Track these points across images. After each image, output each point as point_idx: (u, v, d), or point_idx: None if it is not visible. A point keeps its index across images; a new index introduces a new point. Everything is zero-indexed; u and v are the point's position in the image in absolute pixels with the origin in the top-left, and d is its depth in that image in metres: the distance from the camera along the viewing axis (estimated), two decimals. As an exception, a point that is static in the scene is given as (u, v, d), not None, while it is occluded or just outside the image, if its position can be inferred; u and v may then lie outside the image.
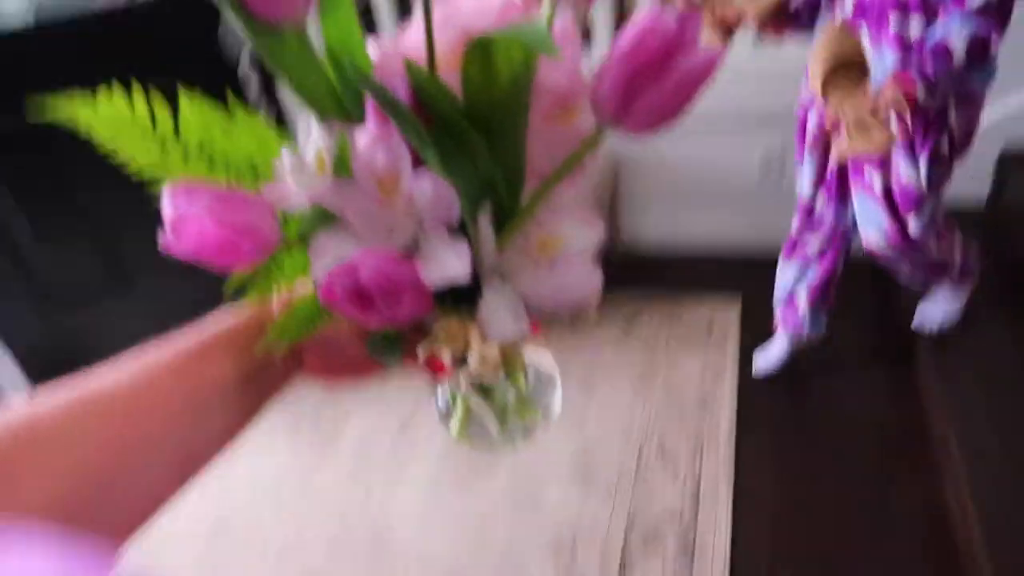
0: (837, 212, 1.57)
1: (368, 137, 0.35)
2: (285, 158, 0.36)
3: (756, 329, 2.01)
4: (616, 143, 2.24)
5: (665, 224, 2.39)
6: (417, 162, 0.36)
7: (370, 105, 0.36)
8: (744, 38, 2.03)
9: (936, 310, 1.73)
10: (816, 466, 1.70)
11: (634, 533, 1.61)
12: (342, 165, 0.36)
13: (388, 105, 0.34)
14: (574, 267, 0.38)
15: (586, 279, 0.38)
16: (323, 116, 0.37)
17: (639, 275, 2.35)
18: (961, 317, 1.71)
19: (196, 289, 1.31)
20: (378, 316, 0.35)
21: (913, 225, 1.42)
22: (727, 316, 2.14)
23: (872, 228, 1.47)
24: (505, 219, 0.38)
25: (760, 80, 2.02)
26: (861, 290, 1.99)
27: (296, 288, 0.44)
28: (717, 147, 2.18)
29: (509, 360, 0.47)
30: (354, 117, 0.37)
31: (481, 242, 0.37)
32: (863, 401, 1.83)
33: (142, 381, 0.39)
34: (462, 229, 0.37)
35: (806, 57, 1.30)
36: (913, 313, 1.77)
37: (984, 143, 1.88)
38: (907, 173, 1.36)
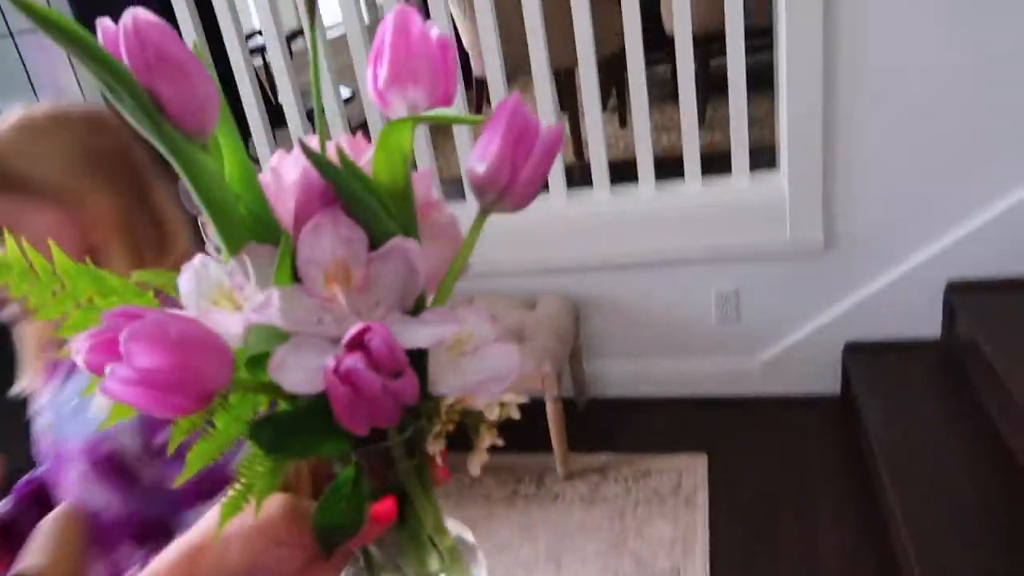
0: None
1: (317, 232, 0.36)
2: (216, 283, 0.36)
3: (724, 485, 1.93)
4: (574, 286, 2.22)
5: (627, 369, 2.33)
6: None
7: (310, 200, 0.36)
8: (692, 175, 2.06)
9: None
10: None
11: None
12: (282, 274, 0.36)
13: (346, 188, 0.36)
14: (488, 354, 0.39)
15: (504, 359, 0.39)
16: (230, 234, 0.37)
17: (605, 426, 2.27)
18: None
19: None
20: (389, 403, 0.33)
21: None
22: (695, 474, 2.04)
23: None
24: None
25: (711, 218, 2.04)
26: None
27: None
28: (672, 287, 2.16)
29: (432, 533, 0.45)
30: (261, 236, 0.37)
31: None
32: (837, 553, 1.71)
33: None
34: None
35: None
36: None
37: (931, 275, 1.91)
38: None
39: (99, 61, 0.32)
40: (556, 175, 2.18)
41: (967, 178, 1.80)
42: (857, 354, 2.02)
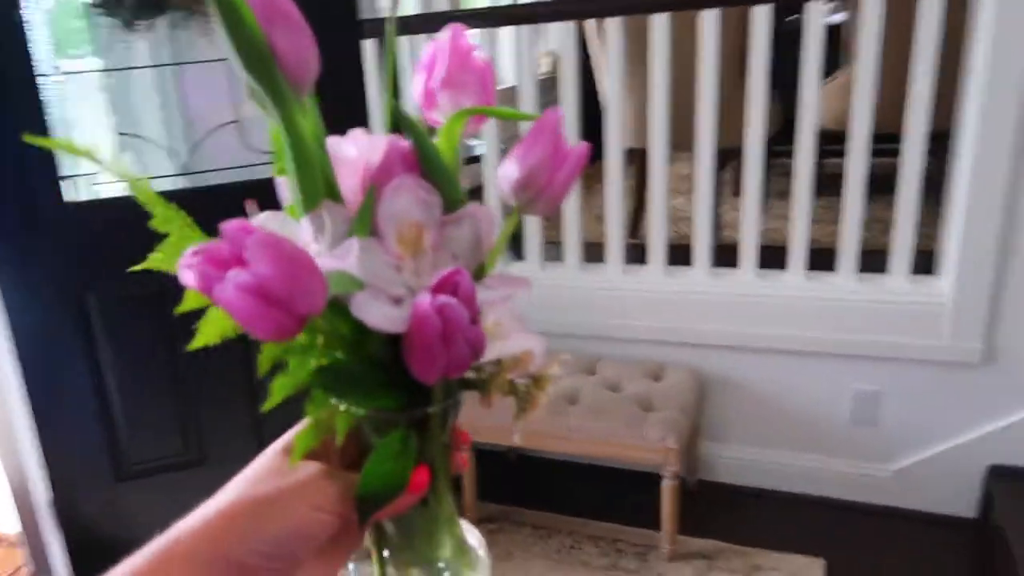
0: None
1: (398, 192, 0.38)
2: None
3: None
4: (702, 362, 2.18)
5: (745, 456, 2.26)
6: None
7: (392, 164, 0.39)
8: (847, 270, 2.02)
9: None
10: None
11: None
12: (362, 228, 0.38)
13: (429, 154, 0.39)
14: (513, 338, 0.42)
15: (527, 344, 0.43)
16: (310, 190, 0.39)
17: (714, 512, 2.19)
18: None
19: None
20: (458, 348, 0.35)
21: None
22: (812, 578, 1.94)
23: None
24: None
25: (860, 314, 1.98)
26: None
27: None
28: (807, 378, 2.10)
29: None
30: (334, 197, 0.40)
31: None
32: None
33: None
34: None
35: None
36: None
37: (972, 458, 1.85)
38: None
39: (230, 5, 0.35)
40: (698, 251, 2.17)
41: None
42: (1003, 479, 1.90)
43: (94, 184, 1.99)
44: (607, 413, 2.03)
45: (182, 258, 0.35)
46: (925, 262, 2.03)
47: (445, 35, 0.43)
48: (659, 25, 2.02)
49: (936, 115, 1.85)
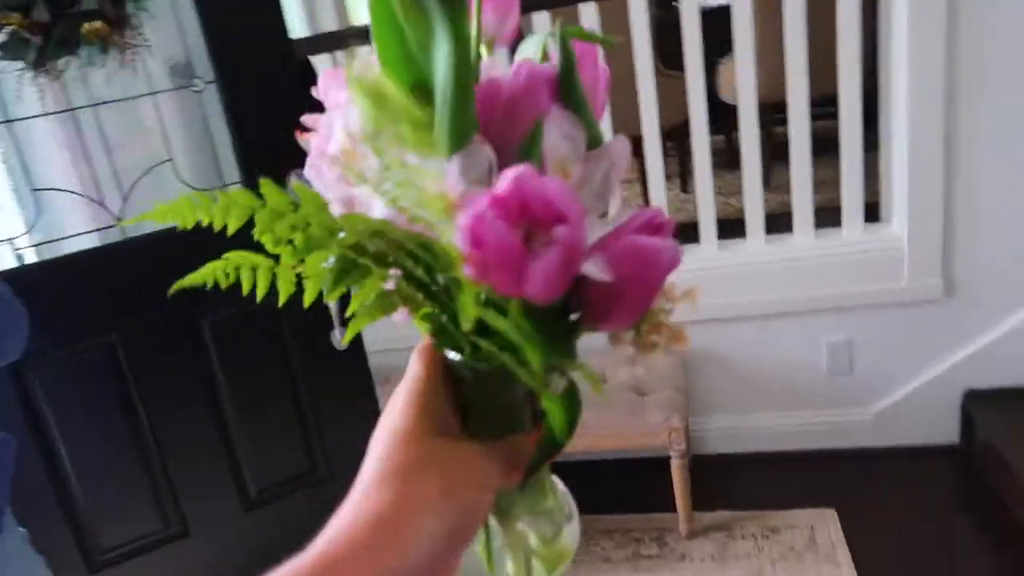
0: None
1: (554, 128, 0.36)
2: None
3: (863, 541, 1.90)
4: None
5: (732, 425, 2.30)
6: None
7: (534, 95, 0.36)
8: (804, 229, 2.10)
9: None
10: None
11: None
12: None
13: (576, 88, 0.37)
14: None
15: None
16: (465, 123, 0.35)
17: (714, 484, 2.22)
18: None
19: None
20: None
21: None
22: (828, 529, 1.99)
23: None
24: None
25: (822, 269, 2.07)
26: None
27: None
28: (780, 339, 2.17)
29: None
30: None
31: None
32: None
33: None
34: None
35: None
36: None
37: (948, 388, 2.01)
38: None
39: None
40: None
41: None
42: (980, 401, 2.04)
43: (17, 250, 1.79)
44: (604, 405, 2.02)
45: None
46: (874, 212, 2.15)
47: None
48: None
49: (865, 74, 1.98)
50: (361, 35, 2.20)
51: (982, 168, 1.89)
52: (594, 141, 0.37)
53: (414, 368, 0.40)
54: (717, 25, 2.18)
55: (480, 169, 0.35)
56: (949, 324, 2.04)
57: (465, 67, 0.34)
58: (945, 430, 2.12)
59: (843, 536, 1.95)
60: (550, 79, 0.37)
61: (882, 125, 2.11)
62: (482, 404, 0.40)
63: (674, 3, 3.00)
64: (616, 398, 2.07)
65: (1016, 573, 1.74)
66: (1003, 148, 1.87)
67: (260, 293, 0.42)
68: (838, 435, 2.22)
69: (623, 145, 0.38)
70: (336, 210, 0.37)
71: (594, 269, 0.33)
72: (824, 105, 2.33)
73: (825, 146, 2.30)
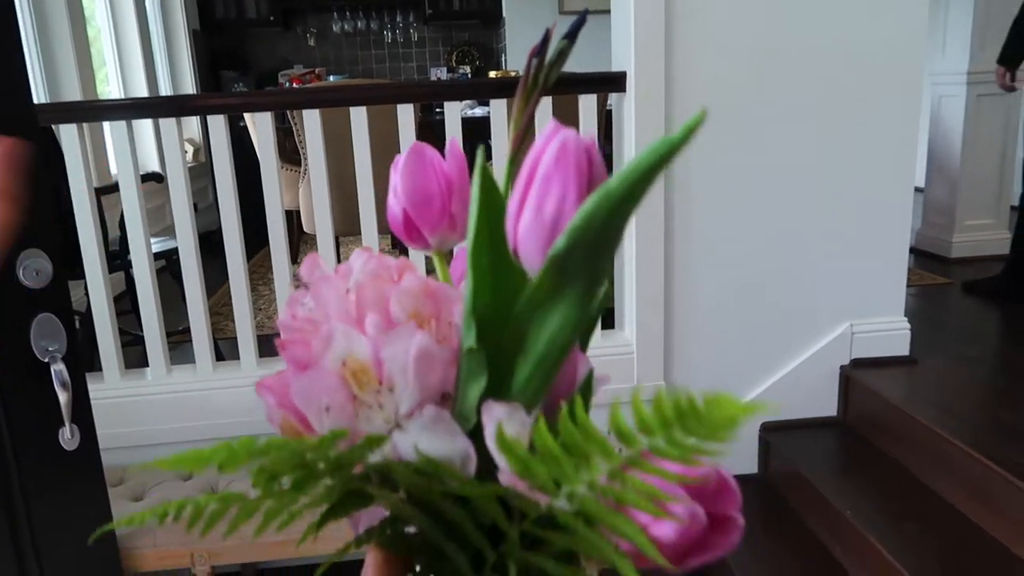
0: None
1: None
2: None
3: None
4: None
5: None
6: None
7: None
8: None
9: None
10: None
11: None
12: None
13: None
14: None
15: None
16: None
17: None
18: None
19: None
20: None
21: None
22: None
23: None
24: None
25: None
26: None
27: None
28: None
29: None
30: None
31: None
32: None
33: None
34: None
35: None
36: None
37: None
38: None
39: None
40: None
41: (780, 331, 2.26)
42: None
43: None
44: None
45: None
46: (611, 319, 2.41)
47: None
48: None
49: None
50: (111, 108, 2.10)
51: (694, 295, 2.22)
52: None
53: None
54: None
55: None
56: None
57: (574, 339, 0.32)
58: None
59: None
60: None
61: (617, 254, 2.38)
62: None
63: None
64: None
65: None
66: (711, 275, 2.21)
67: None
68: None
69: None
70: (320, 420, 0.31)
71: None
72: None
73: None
